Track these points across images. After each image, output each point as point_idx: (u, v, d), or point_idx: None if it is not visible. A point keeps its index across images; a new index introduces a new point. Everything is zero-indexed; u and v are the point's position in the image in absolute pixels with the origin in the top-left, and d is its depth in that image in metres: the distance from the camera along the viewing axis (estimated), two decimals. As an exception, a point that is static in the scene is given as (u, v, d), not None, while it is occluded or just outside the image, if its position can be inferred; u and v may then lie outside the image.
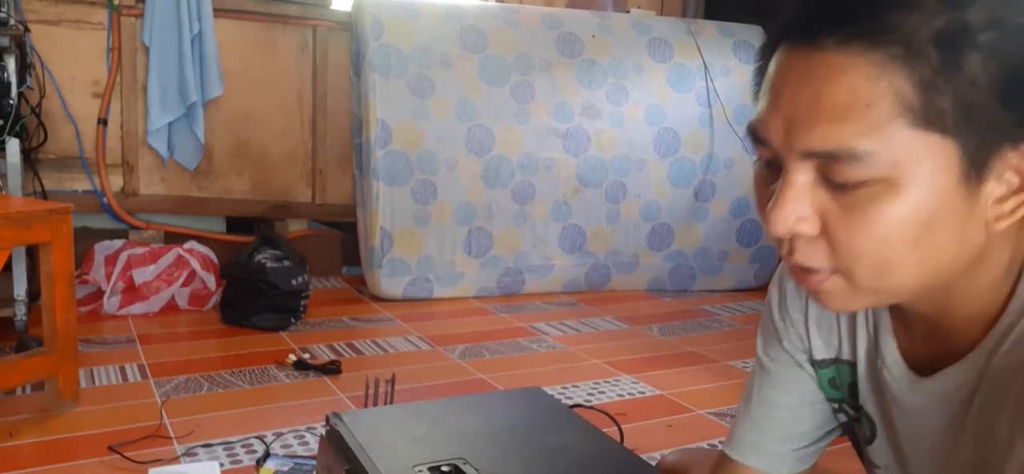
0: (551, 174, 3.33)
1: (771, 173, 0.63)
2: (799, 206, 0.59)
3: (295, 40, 3.46)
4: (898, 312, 0.72)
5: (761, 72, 0.64)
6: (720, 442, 0.92)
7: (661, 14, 4.12)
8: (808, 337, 0.81)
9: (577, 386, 2.28)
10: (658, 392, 2.25)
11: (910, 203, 0.56)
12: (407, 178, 3.13)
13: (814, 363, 0.81)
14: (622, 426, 1.73)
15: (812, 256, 0.61)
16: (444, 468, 0.89)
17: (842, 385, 0.80)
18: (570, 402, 2.11)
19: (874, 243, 0.58)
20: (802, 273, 0.62)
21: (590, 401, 2.14)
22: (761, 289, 3.66)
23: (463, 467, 0.89)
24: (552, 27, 3.41)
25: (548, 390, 1.23)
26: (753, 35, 3.72)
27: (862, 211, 0.57)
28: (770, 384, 0.85)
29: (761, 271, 3.68)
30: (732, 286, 3.64)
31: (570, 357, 2.56)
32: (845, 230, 0.58)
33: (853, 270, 0.60)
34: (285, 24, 3.42)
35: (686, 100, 3.52)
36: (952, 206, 0.57)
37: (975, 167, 0.56)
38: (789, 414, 0.84)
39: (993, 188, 0.57)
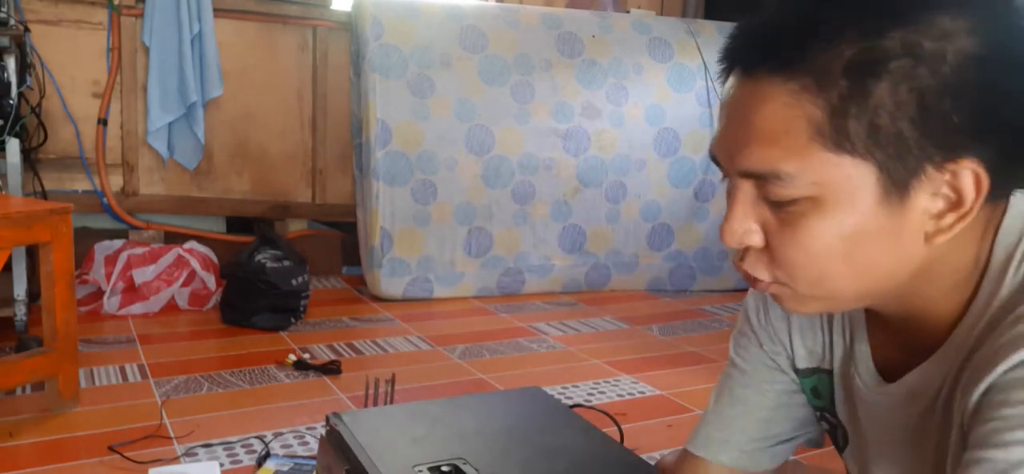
0: (551, 174, 3.33)
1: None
2: (745, 220, 0.65)
3: (295, 40, 3.46)
4: (872, 315, 0.74)
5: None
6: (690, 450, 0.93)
7: (661, 14, 4.12)
8: (791, 346, 0.83)
9: (577, 386, 2.28)
10: (658, 392, 2.25)
11: (835, 220, 0.61)
12: (407, 178, 3.13)
13: (797, 371, 0.84)
14: (622, 426, 1.73)
15: (757, 268, 0.66)
16: (444, 468, 0.89)
17: (824, 394, 0.83)
18: (570, 402, 2.11)
19: (805, 256, 0.62)
20: (753, 280, 0.67)
21: (590, 401, 2.14)
22: (761, 289, 3.66)
23: (463, 467, 0.89)
24: (552, 27, 3.41)
25: (548, 390, 1.23)
26: (753, 35, 3.72)
27: (793, 227, 0.62)
28: (744, 384, 0.88)
29: (761, 271, 3.68)
30: (732, 286, 3.64)
31: (570, 357, 2.56)
32: (781, 244, 0.63)
33: (793, 281, 0.65)
34: (285, 24, 3.42)
35: (686, 100, 3.52)
36: (878, 223, 0.60)
37: (896, 186, 0.59)
38: (764, 414, 0.87)
39: (929, 204, 0.60)
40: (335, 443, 0.97)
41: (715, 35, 3.66)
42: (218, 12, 3.22)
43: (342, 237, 3.65)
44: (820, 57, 0.58)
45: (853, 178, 0.60)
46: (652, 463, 0.99)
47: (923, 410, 0.69)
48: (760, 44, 0.62)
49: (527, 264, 3.35)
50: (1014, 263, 0.63)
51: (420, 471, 0.88)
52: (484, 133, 3.22)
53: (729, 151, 0.64)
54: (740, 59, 0.64)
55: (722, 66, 0.67)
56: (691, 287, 3.61)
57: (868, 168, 0.59)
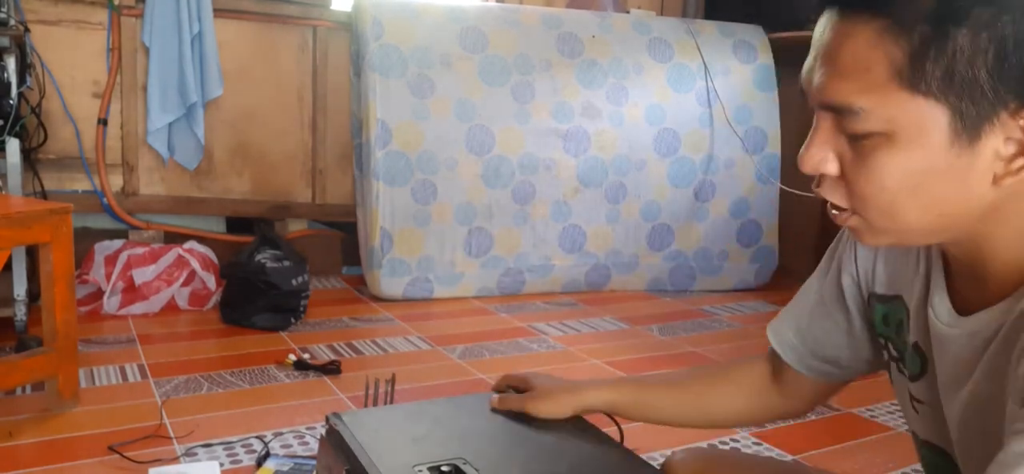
0: (551, 174, 3.33)
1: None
2: (823, 149, 0.69)
3: (295, 40, 3.46)
4: (948, 255, 0.77)
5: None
6: (767, 331, 1.03)
7: (661, 14, 4.12)
8: (873, 271, 0.88)
9: (577, 386, 2.28)
10: (658, 392, 2.25)
11: (905, 156, 0.64)
12: (407, 178, 3.13)
13: (873, 296, 0.88)
14: (622, 426, 1.73)
15: (834, 194, 0.70)
16: (444, 468, 0.89)
17: (892, 323, 0.86)
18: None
19: (875, 189, 0.66)
20: (833, 210, 0.72)
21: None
22: (761, 289, 3.66)
23: (463, 467, 0.89)
24: (552, 27, 3.41)
25: (548, 390, 1.23)
26: (753, 35, 3.72)
27: (866, 159, 0.66)
28: (821, 304, 0.95)
29: (761, 271, 3.68)
30: (732, 286, 3.64)
31: (570, 357, 2.56)
32: (854, 175, 0.68)
33: (865, 211, 0.69)
34: (285, 24, 3.42)
35: (686, 100, 3.52)
36: (946, 162, 0.64)
37: (967, 129, 0.62)
38: (827, 338, 0.95)
39: (1001, 147, 0.63)
40: (335, 443, 0.97)
41: (715, 35, 3.66)
42: (218, 12, 3.22)
43: (342, 237, 3.65)
44: (905, 1, 0.62)
45: (926, 118, 0.63)
46: (653, 463, 0.98)
47: (982, 345, 0.72)
48: None
49: (527, 264, 3.35)
50: None
51: (420, 471, 0.88)
52: (484, 133, 3.22)
53: (813, 83, 0.68)
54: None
55: (817, 1, 0.70)
56: (691, 287, 3.61)
57: (941, 110, 0.62)
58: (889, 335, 0.87)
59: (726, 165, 3.57)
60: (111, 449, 1.72)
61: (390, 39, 3.13)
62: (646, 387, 1.09)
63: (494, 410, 1.08)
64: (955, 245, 0.72)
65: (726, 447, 1.90)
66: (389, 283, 3.15)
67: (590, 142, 3.37)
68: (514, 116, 3.27)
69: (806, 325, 0.96)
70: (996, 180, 0.64)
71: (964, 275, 0.75)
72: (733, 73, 3.62)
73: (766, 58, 3.68)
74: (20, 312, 2.42)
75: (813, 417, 2.14)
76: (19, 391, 2.03)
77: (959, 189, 0.65)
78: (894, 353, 0.87)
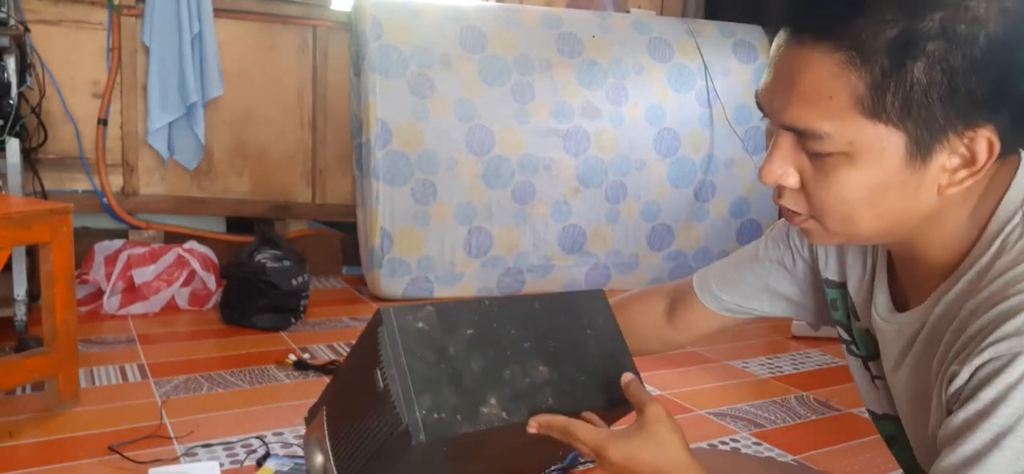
0: (551, 174, 3.33)
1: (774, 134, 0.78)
2: (783, 164, 0.74)
3: (295, 40, 3.46)
4: (891, 256, 0.85)
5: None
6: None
7: (661, 14, 4.12)
8: (825, 258, 0.94)
9: (577, 386, 2.28)
10: (658, 392, 2.25)
11: (864, 174, 0.69)
12: (407, 178, 3.13)
13: (825, 281, 0.94)
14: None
15: (794, 203, 0.75)
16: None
17: (841, 309, 0.93)
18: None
19: (836, 201, 0.72)
20: (788, 213, 0.77)
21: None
22: (761, 289, 3.66)
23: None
24: (552, 27, 3.41)
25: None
26: (753, 35, 3.72)
27: (827, 175, 0.71)
28: (755, 266, 1.02)
29: (761, 271, 3.68)
30: (732, 286, 3.64)
31: (570, 357, 2.56)
32: (815, 188, 0.73)
33: (823, 219, 0.74)
34: (285, 24, 3.42)
35: (686, 100, 3.52)
36: (901, 178, 0.69)
37: (920, 150, 0.67)
38: (752, 291, 1.02)
39: (946, 162, 0.68)
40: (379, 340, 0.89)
41: (715, 35, 3.66)
42: (218, 12, 3.22)
43: (342, 237, 3.65)
44: (865, 33, 0.65)
45: (884, 142, 0.68)
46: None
47: (908, 340, 0.80)
48: (813, 12, 0.69)
49: (527, 264, 3.35)
50: (1001, 237, 0.71)
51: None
52: (484, 133, 3.22)
53: (773, 105, 0.72)
54: (792, 21, 0.71)
55: (778, 19, 0.74)
56: (691, 287, 3.61)
57: (899, 135, 0.67)
58: (841, 320, 0.94)
59: (726, 165, 3.57)
60: (111, 449, 1.72)
61: (390, 39, 3.13)
62: None
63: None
64: (898, 246, 0.79)
65: (726, 447, 1.90)
66: (389, 283, 3.15)
67: (590, 142, 3.37)
68: (514, 116, 3.27)
69: (733, 278, 1.03)
70: (941, 190, 0.70)
71: (903, 272, 0.82)
72: (733, 73, 3.62)
73: (766, 58, 3.67)
74: (20, 312, 2.42)
75: (813, 417, 2.14)
76: (19, 391, 2.03)
77: (910, 200, 0.70)
78: (846, 337, 0.94)
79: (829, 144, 0.69)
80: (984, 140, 0.67)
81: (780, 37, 0.72)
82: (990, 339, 0.65)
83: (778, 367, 2.56)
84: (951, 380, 0.68)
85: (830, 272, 0.93)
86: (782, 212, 0.79)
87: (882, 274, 0.85)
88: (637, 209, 3.48)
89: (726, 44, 3.65)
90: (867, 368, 0.92)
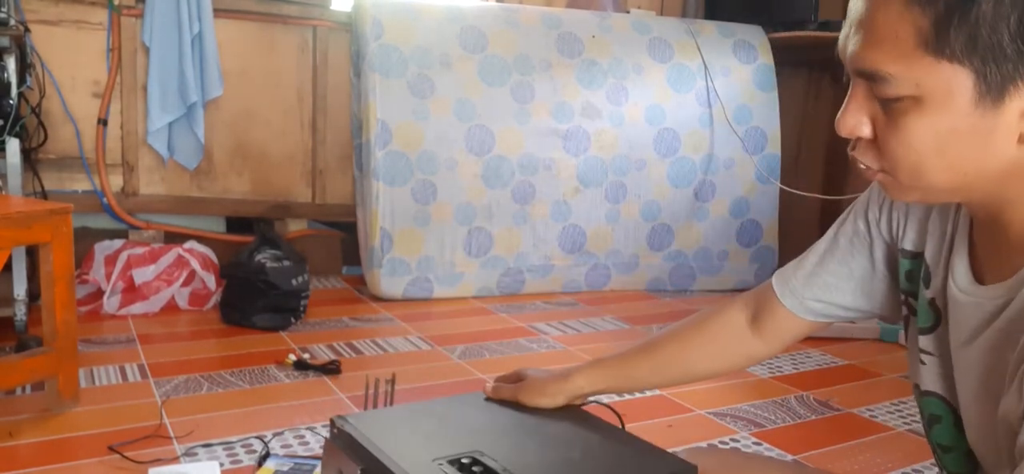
0: (551, 174, 3.33)
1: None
2: (857, 114, 0.73)
3: (295, 40, 3.46)
4: (973, 223, 0.82)
5: None
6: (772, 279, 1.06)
7: (661, 14, 4.12)
8: (904, 227, 0.91)
9: (577, 386, 2.28)
10: (658, 392, 2.25)
11: (932, 119, 0.68)
12: (407, 178, 3.13)
13: (902, 251, 0.92)
14: (624, 425, 1.73)
15: (865, 156, 0.75)
16: (464, 460, 0.89)
17: (914, 279, 0.91)
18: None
19: (905, 150, 0.71)
20: (862, 167, 0.76)
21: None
22: (761, 289, 3.66)
23: (482, 459, 0.89)
24: (552, 27, 3.41)
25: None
26: (753, 35, 3.72)
27: (896, 122, 0.70)
28: (833, 250, 0.98)
29: (761, 271, 3.68)
30: (732, 286, 3.64)
31: (570, 357, 2.56)
32: (885, 137, 0.72)
33: (894, 171, 0.73)
34: (285, 24, 3.42)
35: (686, 100, 3.52)
36: (971, 123, 0.67)
37: (990, 90, 0.66)
38: (836, 283, 0.98)
39: (1016, 109, 0.66)
40: (345, 444, 0.97)
41: (715, 35, 3.66)
42: (218, 12, 3.22)
43: (342, 237, 3.65)
44: None
45: (951, 82, 0.66)
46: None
47: (993, 323, 0.76)
48: None
49: (527, 264, 3.35)
50: None
51: (440, 464, 0.88)
52: (484, 133, 3.22)
53: (847, 51, 0.72)
54: None
55: None
56: (691, 287, 3.61)
57: (966, 73, 0.66)
58: (911, 290, 0.91)
59: (726, 165, 3.57)
60: (111, 449, 1.72)
61: (390, 39, 3.13)
62: (627, 360, 1.14)
63: (487, 399, 1.10)
64: (980, 208, 0.76)
65: (726, 447, 1.90)
66: (389, 283, 3.15)
67: (590, 142, 3.37)
68: (514, 116, 3.27)
69: (815, 270, 1.00)
70: (1021, 139, 0.67)
71: (986, 242, 0.79)
72: (733, 73, 3.62)
73: (766, 58, 3.68)
74: (20, 312, 2.42)
75: (813, 417, 2.14)
76: (19, 391, 2.03)
77: (983, 149, 0.68)
78: (913, 307, 0.91)
79: (896, 87, 0.68)
80: None
81: None
82: None
83: (778, 367, 2.56)
84: None
85: (908, 242, 0.90)
86: (857, 168, 0.78)
87: (962, 243, 0.82)
88: (637, 209, 3.48)
89: (726, 44, 3.65)
90: (919, 341, 0.90)
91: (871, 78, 0.70)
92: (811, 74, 4.03)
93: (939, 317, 0.86)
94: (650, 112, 3.47)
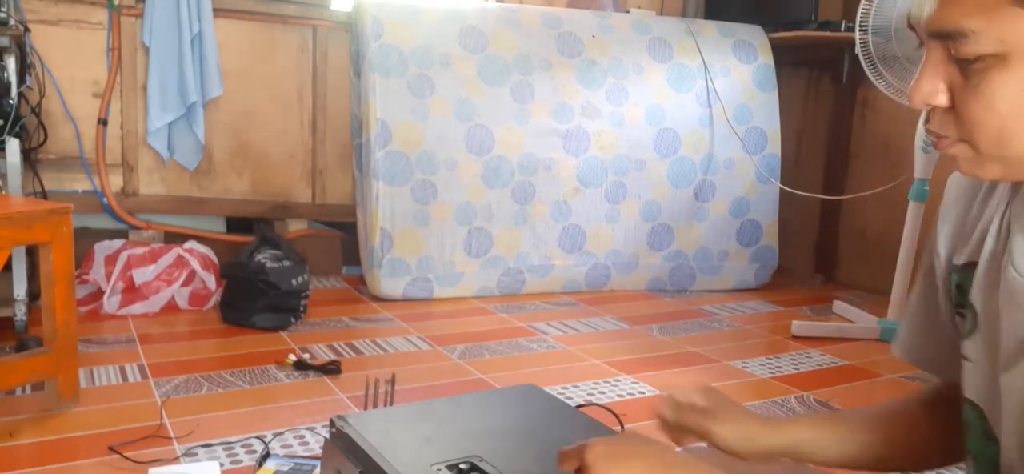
0: (551, 174, 3.33)
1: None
2: (933, 80, 0.68)
3: (295, 40, 3.46)
4: None
5: None
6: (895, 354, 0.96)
7: (661, 14, 4.12)
8: (956, 242, 0.86)
9: (577, 386, 2.28)
10: (658, 392, 2.25)
11: (1017, 77, 0.64)
12: (407, 178, 3.13)
13: (953, 269, 0.86)
14: (624, 426, 1.73)
15: (943, 125, 0.70)
16: (462, 466, 0.89)
17: (966, 288, 0.85)
18: (572, 403, 2.11)
19: (987, 113, 0.66)
20: (936, 139, 0.71)
21: (590, 400, 2.14)
22: (761, 289, 3.66)
23: (480, 464, 0.89)
24: (552, 27, 3.41)
25: (548, 390, 1.23)
26: (753, 35, 3.72)
27: (978, 84, 0.65)
28: (929, 295, 0.91)
29: (761, 271, 3.68)
30: (732, 286, 3.64)
31: (570, 357, 2.56)
32: (965, 102, 0.67)
33: (975, 138, 0.68)
34: (285, 24, 3.42)
35: (686, 100, 3.52)
36: None
37: None
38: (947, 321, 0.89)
39: None
40: (344, 445, 0.97)
41: (715, 35, 3.66)
42: (218, 12, 3.22)
43: (342, 237, 3.65)
44: None
45: None
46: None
47: None
48: None
49: (527, 264, 3.35)
50: None
51: (438, 469, 0.88)
52: (484, 133, 3.22)
53: (922, 13, 0.68)
54: None
55: None
56: (691, 287, 3.61)
57: None
58: (961, 301, 0.86)
59: (726, 165, 3.57)
60: (111, 449, 1.72)
61: (390, 39, 3.13)
62: (838, 423, 0.98)
63: (660, 423, 0.97)
64: None
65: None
66: (389, 283, 3.15)
67: (590, 142, 3.37)
68: (514, 116, 3.27)
69: (932, 327, 0.90)
70: None
71: None
72: (733, 73, 3.62)
73: (766, 58, 3.68)
74: (20, 312, 2.42)
75: (813, 417, 2.14)
76: (19, 391, 2.03)
77: None
78: (964, 315, 0.86)
79: (978, 44, 0.64)
80: None
81: None
82: None
83: (778, 367, 2.56)
84: None
85: (962, 256, 0.85)
86: (934, 141, 0.73)
87: (1019, 234, 0.77)
88: (637, 209, 3.48)
89: (726, 44, 3.65)
90: (961, 347, 0.85)
91: (951, 37, 0.65)
92: (811, 74, 4.03)
93: (977, 318, 0.82)
94: (650, 112, 3.47)
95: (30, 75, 2.75)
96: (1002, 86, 0.65)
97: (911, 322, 0.94)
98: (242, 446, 1.78)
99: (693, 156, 3.53)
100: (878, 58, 2.74)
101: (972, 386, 0.84)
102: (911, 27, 0.71)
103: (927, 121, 0.72)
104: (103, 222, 3.22)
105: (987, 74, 0.65)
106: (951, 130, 0.70)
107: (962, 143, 0.69)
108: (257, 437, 1.82)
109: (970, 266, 0.84)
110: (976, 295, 0.82)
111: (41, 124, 2.93)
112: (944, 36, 0.66)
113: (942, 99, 0.69)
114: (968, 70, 0.66)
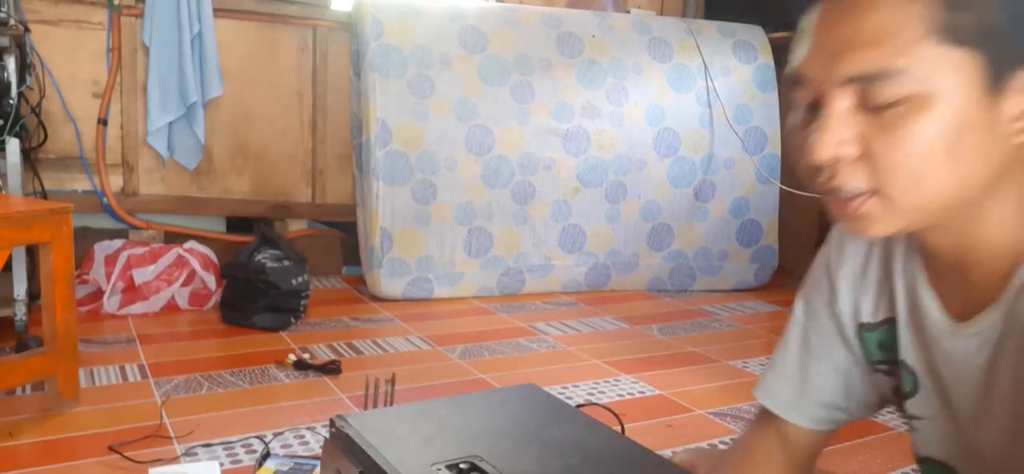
0: (551, 174, 3.33)
1: (811, 116, 0.69)
2: (841, 131, 0.65)
3: (295, 40, 3.46)
4: (929, 263, 0.76)
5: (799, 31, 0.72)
6: (754, 395, 0.97)
7: (661, 14, 4.12)
8: (859, 301, 0.84)
9: (577, 386, 2.28)
10: (658, 392, 2.25)
11: (939, 117, 0.62)
12: (407, 178, 3.13)
13: (863, 327, 0.85)
14: (624, 427, 1.73)
15: (852, 179, 0.66)
16: (462, 466, 0.89)
17: (889, 345, 0.84)
18: (572, 402, 2.11)
19: (909, 156, 0.63)
20: (840, 203, 0.68)
21: (590, 401, 2.14)
22: (761, 289, 3.66)
23: (480, 464, 0.89)
24: (552, 27, 3.41)
25: (548, 390, 1.23)
26: (753, 35, 3.72)
27: (897, 128, 0.63)
28: (808, 352, 0.91)
29: (761, 271, 3.68)
30: (732, 286, 3.64)
31: (570, 357, 2.56)
32: (883, 148, 0.64)
33: (890, 186, 0.65)
34: (285, 24, 3.42)
35: (686, 100, 3.52)
36: (977, 117, 0.62)
37: (996, 80, 0.62)
38: (824, 382, 0.90)
39: (1011, 105, 0.63)
40: (344, 445, 0.97)
41: (715, 35, 3.66)
42: (218, 12, 3.22)
43: (342, 237, 3.66)
44: None
45: (962, 71, 0.62)
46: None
47: (995, 345, 0.71)
48: None
49: (527, 264, 3.35)
50: None
51: (438, 469, 0.88)
52: (484, 133, 3.22)
53: (828, 61, 0.65)
54: None
55: None
56: (691, 287, 3.61)
57: (976, 60, 0.62)
58: (887, 359, 0.85)
59: (726, 165, 3.57)
60: (111, 449, 1.72)
61: (390, 39, 3.13)
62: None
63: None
64: (944, 234, 0.70)
65: (726, 447, 1.90)
66: (389, 283, 3.15)
67: (590, 142, 3.37)
68: (514, 116, 3.27)
69: (798, 374, 0.91)
70: (1013, 136, 0.64)
71: (948, 275, 0.74)
72: (733, 73, 3.62)
73: (766, 58, 3.68)
74: (20, 312, 2.42)
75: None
76: (19, 391, 2.03)
77: (984, 149, 0.64)
78: (894, 378, 0.85)
79: (902, 84, 0.62)
80: None
81: (820, 4, 0.67)
82: None
83: (778, 367, 2.55)
84: None
85: (866, 314, 0.84)
86: (832, 204, 0.69)
87: (924, 288, 0.76)
88: (637, 209, 3.48)
89: (726, 44, 3.65)
90: (905, 408, 0.84)
91: (870, 80, 0.63)
92: (811, 74, 4.02)
93: (916, 376, 0.81)
94: (650, 112, 3.47)
95: (30, 75, 2.75)
96: (923, 128, 0.62)
97: (785, 370, 0.92)
98: (242, 446, 1.78)
99: (693, 156, 3.53)
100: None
101: (931, 444, 0.82)
102: (798, 81, 0.68)
103: (830, 177, 0.67)
104: (103, 222, 3.22)
105: (907, 117, 0.63)
106: (862, 182, 0.66)
107: (874, 197, 0.66)
108: (257, 437, 1.82)
109: (888, 323, 0.82)
110: (908, 354, 0.80)
111: (41, 124, 2.93)
112: (862, 80, 0.63)
113: (851, 150, 0.66)
114: (884, 115, 0.63)
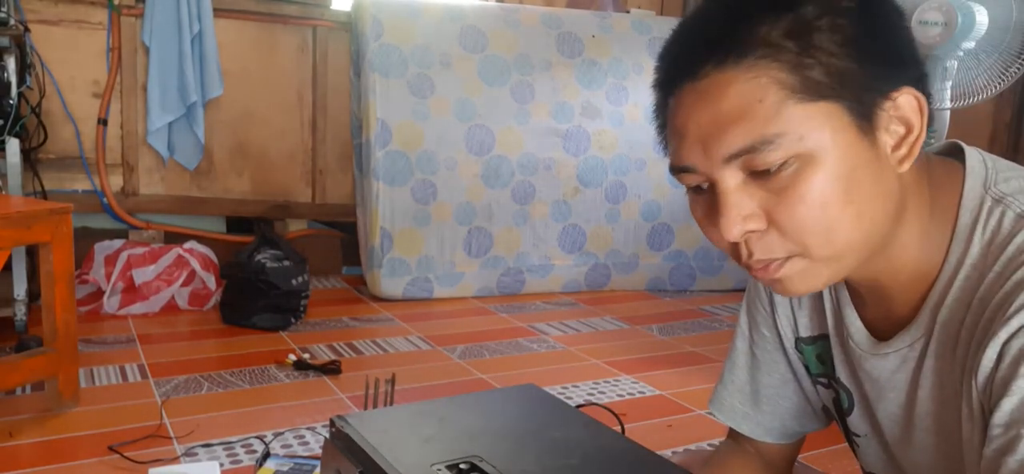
0: (551, 174, 3.33)
1: (704, 196, 0.72)
2: (741, 205, 0.66)
3: (295, 40, 3.46)
4: (851, 289, 0.79)
5: (663, 128, 0.75)
6: (709, 407, 1.00)
7: (661, 14, 4.12)
8: (795, 316, 0.87)
9: (577, 386, 2.28)
10: (658, 392, 2.25)
11: (829, 168, 0.64)
12: (407, 178, 3.13)
13: (801, 341, 0.87)
14: (624, 428, 1.73)
15: (768, 248, 0.68)
16: (462, 466, 0.89)
17: (827, 360, 0.86)
18: (573, 403, 2.11)
19: (812, 211, 0.65)
20: (762, 268, 0.69)
21: (590, 401, 2.14)
22: (761, 289, 3.66)
23: (480, 464, 0.89)
24: (552, 27, 3.41)
25: (548, 390, 1.23)
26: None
27: (792, 188, 0.64)
28: (756, 365, 0.93)
29: (761, 271, 3.68)
30: (732, 286, 3.64)
31: (570, 357, 2.56)
32: (785, 210, 0.65)
33: (806, 244, 0.66)
34: (285, 24, 3.42)
35: (686, 100, 3.52)
36: (862, 158, 0.65)
37: (865, 119, 0.64)
38: (774, 392, 0.93)
39: (886, 140, 0.66)
40: (344, 445, 0.97)
41: (715, 35, 3.66)
42: (218, 12, 3.22)
43: (342, 237, 3.65)
44: (760, 32, 0.63)
45: (832, 119, 0.63)
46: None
47: (915, 362, 0.74)
48: (701, 48, 0.66)
49: (527, 264, 3.35)
50: (981, 223, 0.69)
51: (438, 469, 0.88)
52: (484, 133, 3.22)
53: (705, 148, 0.67)
54: (683, 72, 0.67)
55: (660, 93, 0.72)
56: (691, 287, 3.61)
57: (840, 107, 0.63)
58: (825, 373, 0.86)
59: (726, 165, 3.57)
60: (111, 449, 1.72)
61: (390, 39, 3.13)
62: None
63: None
64: (864, 270, 0.72)
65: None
66: (389, 283, 3.15)
67: (590, 142, 3.37)
68: (514, 116, 3.27)
69: (749, 385, 0.93)
70: (898, 164, 0.66)
71: (869, 299, 0.76)
72: (733, 73, 3.62)
73: (766, 58, 3.68)
74: (20, 312, 2.42)
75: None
76: (19, 391, 2.03)
77: (878, 184, 0.66)
78: (833, 392, 0.87)
79: (783, 147, 0.63)
80: (908, 97, 0.65)
81: (677, 96, 0.68)
82: (1013, 308, 0.63)
83: (778, 367, 2.56)
84: (978, 369, 0.65)
85: (803, 328, 0.86)
86: (755, 272, 0.71)
87: (849, 309, 0.79)
88: (637, 209, 3.48)
89: (726, 44, 3.65)
90: (846, 424, 0.86)
91: (753, 150, 0.64)
92: (811, 74, 4.03)
93: (850, 393, 0.83)
94: (650, 112, 3.46)
95: (30, 75, 2.75)
96: (816, 183, 0.64)
97: (736, 384, 0.95)
98: (242, 446, 1.78)
99: (693, 156, 3.53)
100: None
101: (870, 460, 0.85)
102: (682, 170, 0.71)
103: (747, 254, 0.69)
104: (103, 222, 3.22)
105: (799, 176, 0.64)
106: (778, 249, 0.67)
107: (793, 259, 0.67)
108: (257, 437, 1.82)
109: (824, 338, 0.85)
110: (841, 371, 0.83)
111: (41, 124, 2.93)
112: (745, 153, 0.64)
113: (758, 222, 0.67)
114: (776, 180, 0.65)
